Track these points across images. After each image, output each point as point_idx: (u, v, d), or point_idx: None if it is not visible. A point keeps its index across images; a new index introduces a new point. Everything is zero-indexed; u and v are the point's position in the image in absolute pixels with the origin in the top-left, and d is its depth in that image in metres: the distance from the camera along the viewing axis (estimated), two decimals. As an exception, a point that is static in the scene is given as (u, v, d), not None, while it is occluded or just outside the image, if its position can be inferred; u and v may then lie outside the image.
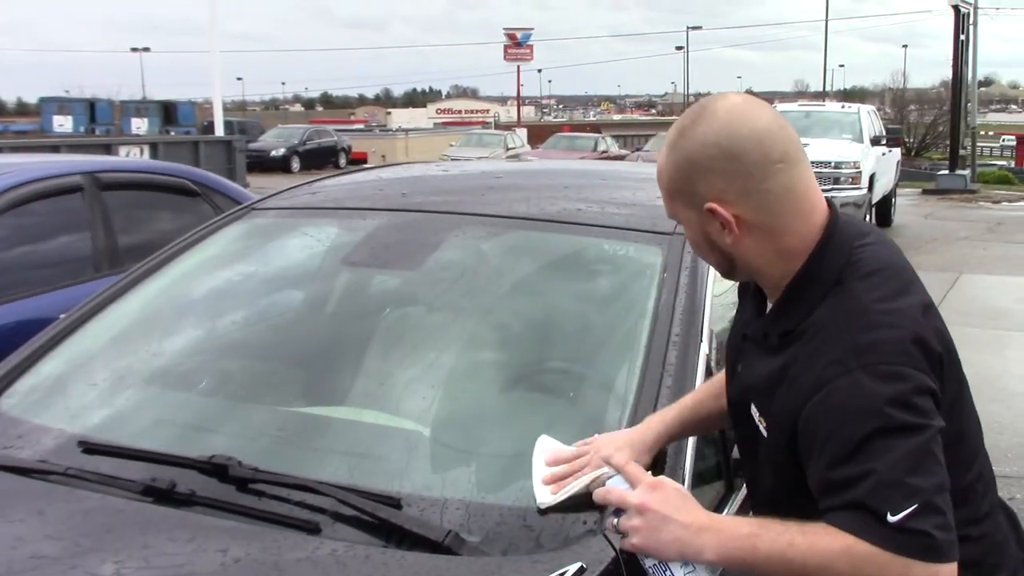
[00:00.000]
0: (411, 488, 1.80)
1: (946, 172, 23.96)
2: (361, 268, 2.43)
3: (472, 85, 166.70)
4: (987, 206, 20.14)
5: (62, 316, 2.47)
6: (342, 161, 34.43)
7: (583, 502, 1.64)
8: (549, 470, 1.71)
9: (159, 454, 1.89)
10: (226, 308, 2.56)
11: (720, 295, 2.22)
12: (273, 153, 31.54)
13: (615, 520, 1.54)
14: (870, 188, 14.25)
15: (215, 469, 1.79)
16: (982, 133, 36.55)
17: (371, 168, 3.37)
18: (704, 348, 2.02)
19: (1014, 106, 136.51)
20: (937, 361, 1.42)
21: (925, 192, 22.47)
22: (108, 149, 14.77)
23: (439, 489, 1.81)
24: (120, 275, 2.69)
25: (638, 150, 30.39)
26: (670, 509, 1.47)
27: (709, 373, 1.99)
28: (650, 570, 1.51)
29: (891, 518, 1.30)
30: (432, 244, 2.39)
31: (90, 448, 1.91)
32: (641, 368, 1.95)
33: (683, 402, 1.81)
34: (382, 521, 1.65)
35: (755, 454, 1.61)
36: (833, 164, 13.40)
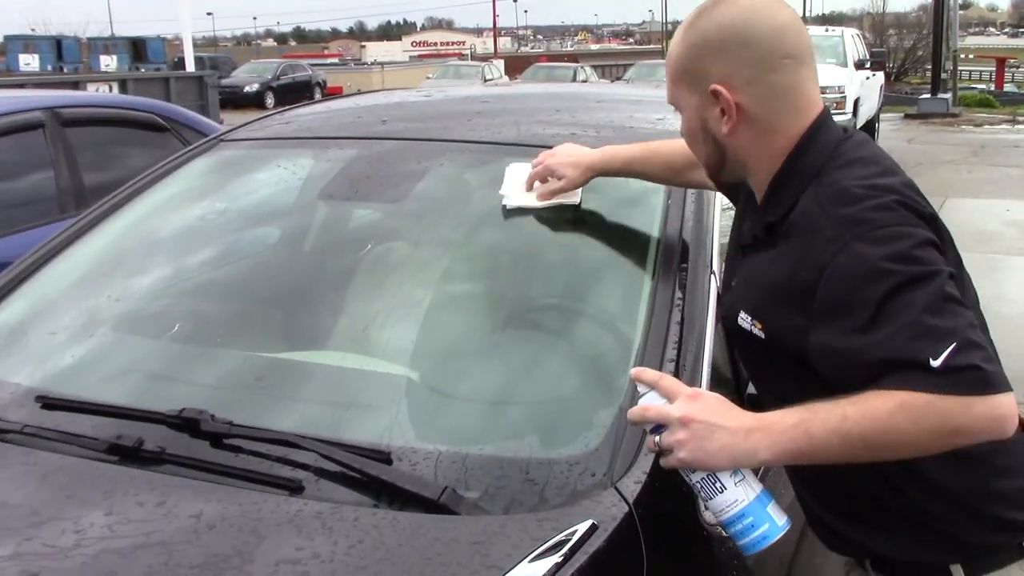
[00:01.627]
0: (401, 440, 1.64)
1: (928, 96, 23.70)
2: (340, 202, 2.24)
3: (447, 17, 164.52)
4: (969, 130, 19.97)
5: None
6: (317, 96, 33.75)
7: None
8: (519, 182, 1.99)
9: (125, 408, 1.73)
10: (195, 247, 2.37)
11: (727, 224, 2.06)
12: (246, 89, 30.87)
13: (656, 438, 1.40)
14: (854, 113, 14.08)
15: (186, 424, 1.64)
16: (962, 56, 36.25)
17: (348, 96, 3.16)
18: (714, 280, 1.86)
19: (992, 29, 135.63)
20: (930, 219, 1.40)
21: (907, 117, 22.26)
22: (76, 86, 14.35)
23: (432, 441, 1.66)
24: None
25: (618, 79, 29.98)
26: (714, 416, 1.38)
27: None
28: (698, 484, 1.41)
29: (934, 363, 1.26)
30: (416, 174, 2.21)
31: (49, 403, 1.75)
32: (648, 303, 1.80)
33: (632, 148, 1.98)
34: (371, 478, 1.50)
35: (758, 363, 1.59)
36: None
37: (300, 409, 1.78)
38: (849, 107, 13.80)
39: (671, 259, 1.89)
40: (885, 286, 1.30)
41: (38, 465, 1.61)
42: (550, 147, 2.20)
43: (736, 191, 1.70)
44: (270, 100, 31.01)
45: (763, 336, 1.48)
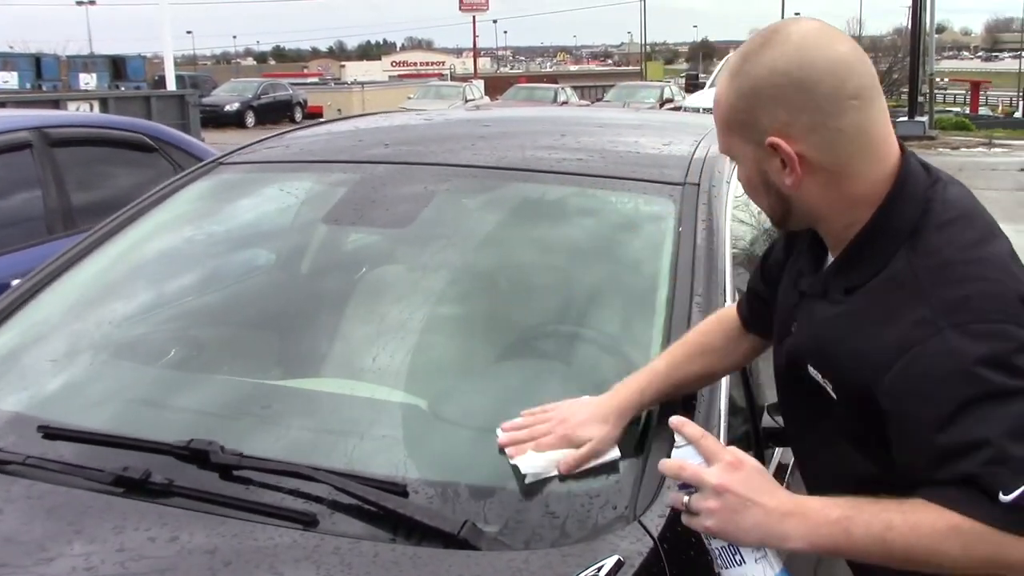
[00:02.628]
0: (416, 472, 1.61)
1: (905, 119, 23.94)
2: (345, 227, 2.21)
3: (427, 37, 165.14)
4: (947, 152, 20.19)
5: (15, 282, 2.23)
6: (298, 115, 33.76)
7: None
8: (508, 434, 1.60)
9: (130, 439, 1.69)
10: (197, 272, 2.34)
11: (739, 251, 2.05)
12: (227, 108, 30.79)
13: (685, 498, 1.35)
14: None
15: (194, 455, 1.60)
16: (937, 80, 36.65)
17: (346, 118, 3.13)
18: (729, 297, 1.85)
19: (966, 52, 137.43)
20: None
21: (885, 139, 22.49)
22: (57, 105, 14.25)
23: (447, 473, 1.63)
24: (76, 235, 2.45)
25: (598, 100, 30.13)
26: (752, 492, 1.31)
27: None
28: (716, 550, 1.36)
29: (1004, 497, 1.17)
30: (422, 199, 2.18)
31: (51, 433, 1.70)
32: (663, 333, 1.78)
33: (655, 367, 1.65)
34: (388, 512, 1.47)
35: (815, 424, 1.47)
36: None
37: (310, 439, 1.74)
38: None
39: (684, 284, 1.87)
40: (973, 391, 1.19)
41: (43, 498, 1.56)
42: (556, 172, 2.18)
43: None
44: (251, 119, 30.95)
45: (835, 396, 1.38)
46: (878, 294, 1.32)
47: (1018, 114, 37.46)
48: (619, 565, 1.35)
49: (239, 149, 2.65)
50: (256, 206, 2.51)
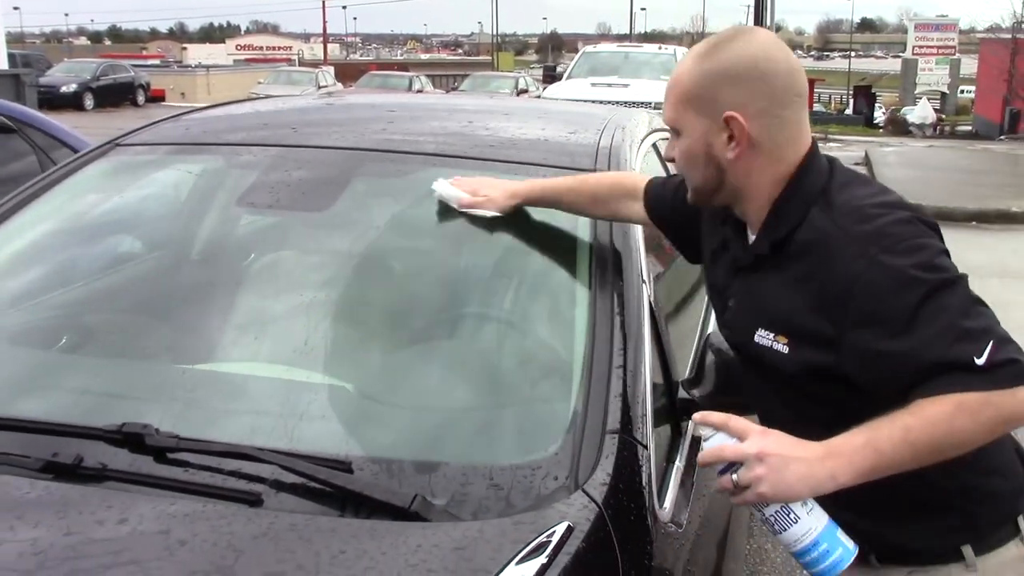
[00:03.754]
0: (358, 450, 1.64)
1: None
2: (261, 210, 2.19)
3: (272, 21, 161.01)
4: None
5: None
6: (140, 98, 32.45)
7: None
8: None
9: (55, 424, 1.65)
10: (100, 256, 2.28)
11: (649, 234, 2.15)
12: (63, 89, 29.17)
13: (733, 476, 1.47)
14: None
15: (128, 439, 1.57)
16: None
17: (242, 101, 3.08)
18: (646, 288, 1.94)
19: (800, 51, 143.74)
20: (936, 228, 1.52)
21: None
22: None
23: (386, 450, 1.66)
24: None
25: (453, 89, 30.15)
26: (788, 449, 1.46)
27: (651, 312, 1.92)
28: (772, 517, 1.49)
29: (979, 361, 1.39)
30: (338, 183, 2.19)
31: None
32: (588, 308, 1.85)
33: (563, 181, 2.06)
34: (337, 488, 1.49)
35: (775, 383, 1.64)
36: (653, 104, 13.60)
37: (242, 422, 1.74)
38: (682, 122, 14.31)
39: (605, 264, 1.95)
40: (918, 293, 1.42)
41: None
42: (470, 158, 2.24)
43: (678, 223, 1.91)
44: (89, 101, 29.54)
45: (787, 350, 1.56)
46: (809, 250, 1.53)
47: (849, 111, 39.52)
48: (569, 531, 1.41)
49: (134, 131, 2.59)
50: (159, 188, 2.45)
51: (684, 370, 2.05)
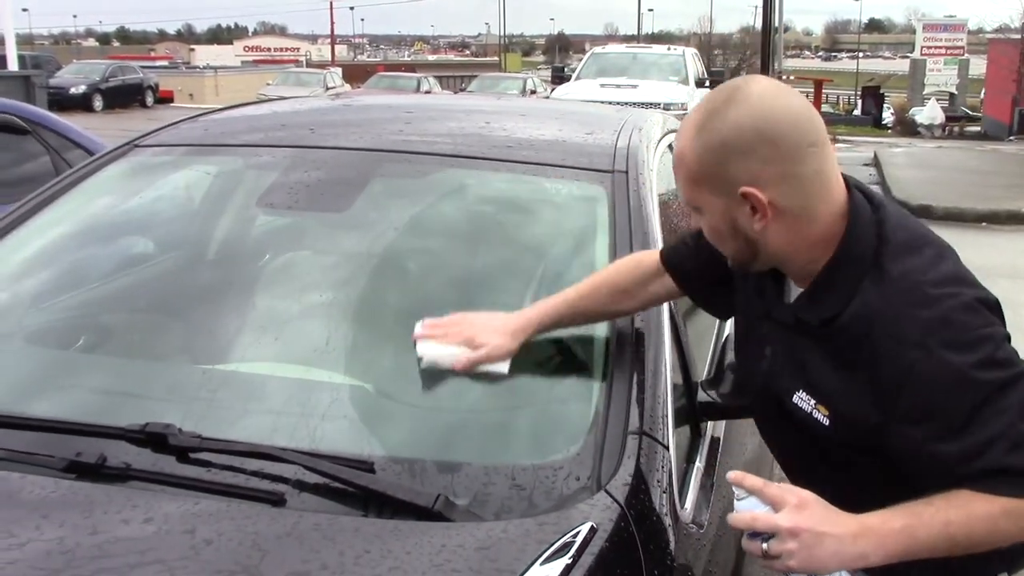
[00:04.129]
0: (379, 450, 1.64)
1: (756, 115, 24.77)
2: (281, 211, 2.20)
3: (280, 22, 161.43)
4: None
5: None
6: (149, 99, 32.52)
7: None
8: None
9: (79, 424, 1.66)
10: (123, 258, 2.28)
11: (667, 234, 2.15)
12: (72, 90, 29.24)
13: (764, 545, 1.46)
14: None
15: (151, 438, 1.58)
16: (783, 78, 38.20)
17: (259, 102, 3.09)
18: None
19: (807, 52, 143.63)
20: (996, 307, 1.47)
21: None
22: None
23: (409, 450, 1.66)
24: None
25: (461, 90, 30.19)
26: (821, 524, 1.43)
27: (670, 311, 1.92)
28: None
29: None
30: (358, 184, 2.19)
31: None
32: None
33: (565, 295, 1.81)
34: (360, 488, 1.50)
35: (803, 446, 1.61)
36: (663, 105, 13.60)
37: (264, 422, 1.74)
38: (691, 123, 14.33)
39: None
40: (977, 396, 1.38)
41: None
42: (487, 158, 2.23)
43: (709, 279, 1.78)
44: (98, 103, 29.60)
45: (827, 422, 1.52)
46: (862, 330, 1.45)
47: (857, 112, 39.44)
48: (593, 531, 1.41)
49: (153, 131, 2.60)
50: (178, 189, 2.46)
51: (702, 370, 2.05)
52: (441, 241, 2.15)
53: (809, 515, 1.43)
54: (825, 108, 42.75)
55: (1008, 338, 1.44)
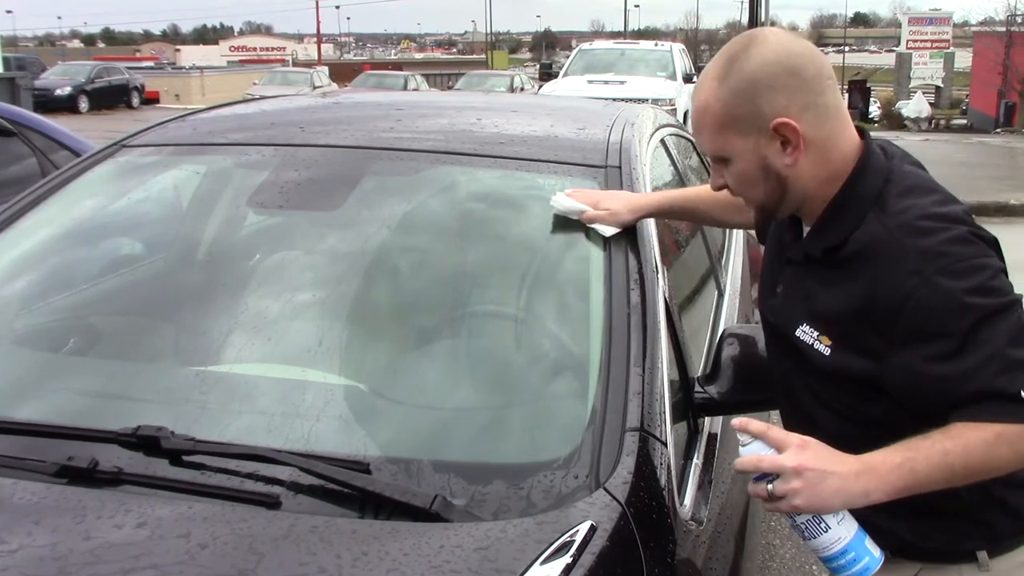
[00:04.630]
0: (375, 451, 1.62)
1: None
2: (271, 210, 2.17)
3: (266, 22, 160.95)
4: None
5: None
6: (135, 100, 32.36)
7: None
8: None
9: (71, 428, 1.63)
10: (108, 258, 2.26)
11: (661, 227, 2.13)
12: (58, 92, 29.06)
13: (769, 486, 1.48)
14: (684, 124, 14.61)
15: (143, 442, 1.56)
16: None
17: (248, 100, 3.06)
18: (660, 279, 1.92)
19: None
20: (994, 244, 1.51)
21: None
22: None
23: (404, 450, 1.64)
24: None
25: (448, 88, 30.15)
26: (824, 463, 1.46)
27: (666, 306, 1.91)
28: (802, 525, 1.51)
29: None
30: (349, 182, 2.17)
31: None
32: (604, 303, 1.84)
33: (685, 192, 2.08)
34: (357, 489, 1.48)
35: (809, 379, 1.64)
36: (651, 101, 13.60)
37: (258, 423, 1.72)
38: (679, 119, 14.34)
39: (620, 258, 1.93)
40: (970, 319, 1.41)
41: None
42: (479, 155, 2.22)
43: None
44: (84, 104, 29.45)
45: (828, 352, 1.55)
46: (863, 257, 1.51)
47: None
48: (592, 530, 1.40)
49: (141, 131, 2.57)
50: (167, 189, 2.44)
51: (698, 365, 2.04)
52: (433, 239, 2.13)
53: (812, 455, 1.47)
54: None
55: (1004, 271, 1.48)
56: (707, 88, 1.56)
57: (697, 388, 1.93)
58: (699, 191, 2.06)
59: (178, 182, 2.42)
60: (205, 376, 1.85)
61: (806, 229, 1.65)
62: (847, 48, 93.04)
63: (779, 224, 1.74)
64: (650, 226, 2.06)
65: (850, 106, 36.66)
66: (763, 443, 1.49)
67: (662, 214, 2.07)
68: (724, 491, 1.91)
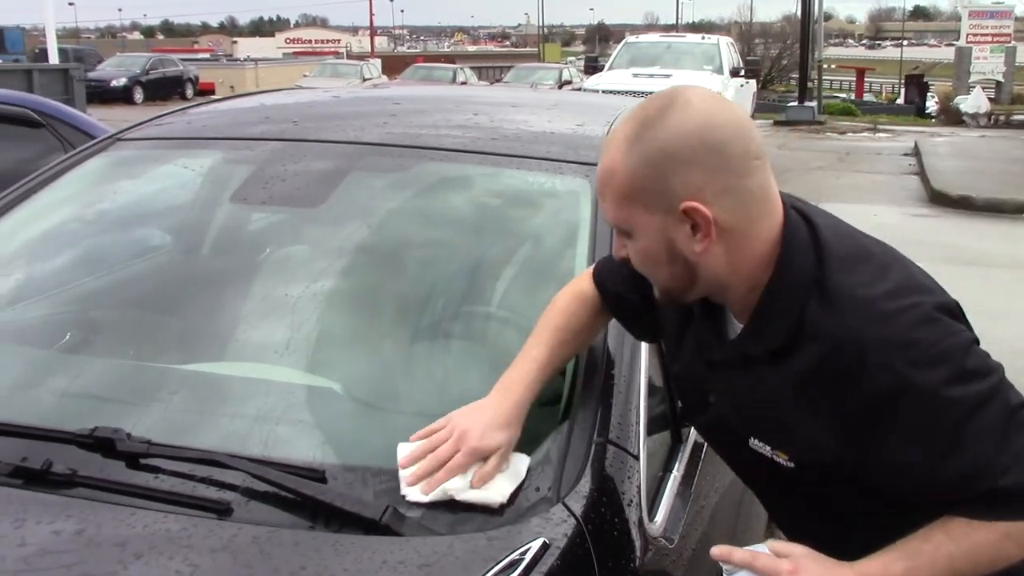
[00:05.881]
0: (334, 457, 1.57)
1: (795, 104, 24.48)
2: (252, 205, 2.13)
3: (321, 14, 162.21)
4: (834, 137, 20.74)
5: None
6: (189, 92, 32.84)
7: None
8: (410, 469, 1.46)
9: (28, 428, 1.60)
10: (93, 252, 2.23)
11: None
12: (114, 83, 29.71)
13: None
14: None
15: (99, 443, 1.52)
16: (825, 66, 37.65)
17: (250, 94, 3.03)
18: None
19: (851, 40, 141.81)
20: (959, 309, 1.37)
21: (776, 124, 22.96)
22: (-72, 78, 13.52)
23: (367, 458, 1.59)
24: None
25: (497, 81, 30.12)
26: None
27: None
28: None
29: None
30: (333, 178, 2.12)
31: None
32: None
33: (536, 357, 1.57)
34: (306, 498, 1.43)
35: (776, 484, 1.49)
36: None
37: (221, 425, 1.68)
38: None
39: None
40: (956, 414, 1.28)
41: None
42: (469, 151, 2.16)
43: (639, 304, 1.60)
44: (139, 95, 29.99)
45: (792, 465, 1.41)
46: (815, 358, 1.32)
47: (900, 100, 38.76)
48: (545, 547, 1.34)
49: (138, 124, 2.55)
50: (156, 183, 2.41)
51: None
52: (410, 238, 2.08)
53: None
54: (868, 97, 42.16)
55: (974, 342, 1.33)
56: (614, 150, 1.35)
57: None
58: (554, 342, 1.60)
59: (168, 177, 2.40)
60: (172, 374, 1.82)
61: (734, 322, 1.45)
62: (905, 42, 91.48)
63: (686, 325, 1.52)
64: None
65: (906, 101, 35.99)
66: (748, 572, 1.37)
67: (537, 395, 1.57)
68: (706, 505, 1.83)
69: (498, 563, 1.30)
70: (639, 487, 1.54)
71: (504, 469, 1.47)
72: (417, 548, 1.35)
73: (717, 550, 1.39)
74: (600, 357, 1.67)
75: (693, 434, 1.89)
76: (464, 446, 1.46)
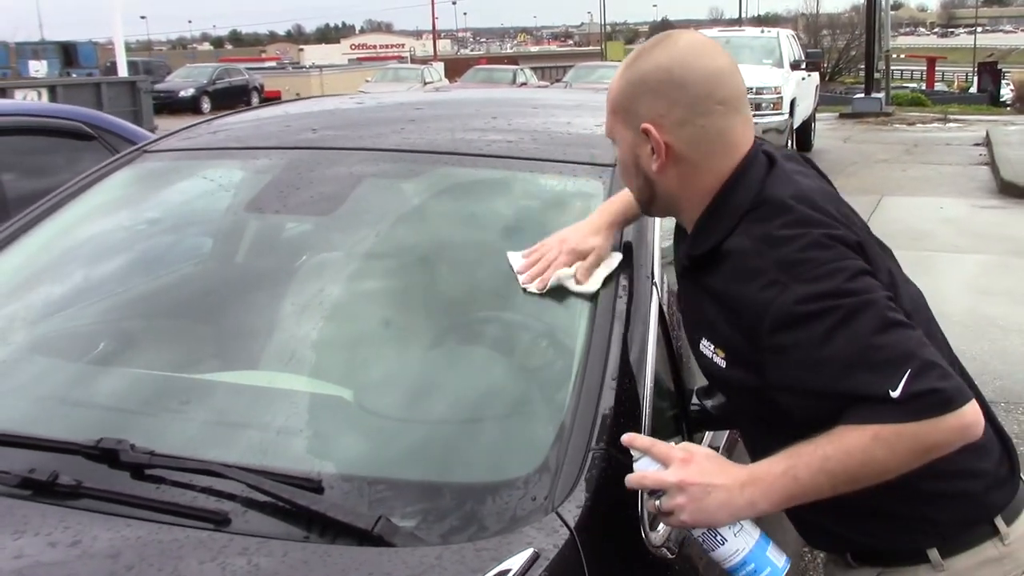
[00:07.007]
0: (334, 467, 1.57)
1: (861, 96, 24.03)
2: (268, 215, 2.15)
3: (386, 20, 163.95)
4: (902, 128, 20.31)
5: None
6: (255, 100, 33.34)
7: None
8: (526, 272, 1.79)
9: (38, 439, 1.63)
10: (117, 263, 2.27)
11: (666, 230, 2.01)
12: (182, 94, 30.39)
13: (656, 502, 1.44)
14: (791, 113, 14.19)
15: (104, 454, 1.54)
16: (894, 56, 36.88)
17: (279, 103, 3.06)
18: (656, 292, 1.81)
19: (922, 28, 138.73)
20: (857, 247, 1.45)
21: (842, 116, 22.56)
22: (3, 93, 13.97)
23: (365, 467, 1.58)
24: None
25: (557, 81, 30.07)
26: (708, 476, 1.42)
27: (661, 316, 1.80)
28: (700, 538, 1.47)
29: (893, 394, 1.31)
30: (348, 185, 2.13)
31: None
32: (588, 318, 1.74)
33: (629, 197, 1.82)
34: (301, 509, 1.42)
35: (723, 389, 1.65)
36: (755, 90, 13.21)
37: (225, 435, 1.69)
38: (786, 108, 13.92)
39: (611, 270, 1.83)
40: (828, 322, 1.35)
41: None
42: (485, 156, 2.14)
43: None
44: (206, 105, 30.57)
45: (724, 365, 1.51)
46: (730, 267, 1.47)
47: (973, 89, 37.76)
48: (534, 558, 1.31)
49: (165, 136, 2.58)
50: (178, 195, 2.44)
51: (701, 378, 1.92)
52: (415, 247, 2.07)
53: (696, 468, 1.43)
54: (939, 86, 41.17)
55: (866, 272, 1.41)
56: (618, 71, 1.59)
57: (694, 401, 1.81)
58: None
59: (191, 188, 2.42)
60: (179, 384, 1.84)
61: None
62: (979, 29, 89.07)
63: (678, 233, 1.70)
64: (655, 228, 1.95)
65: (980, 89, 35.03)
66: (650, 459, 1.44)
67: (630, 220, 1.88)
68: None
69: (484, 574, 1.28)
70: (640, 496, 1.51)
71: (599, 265, 1.78)
72: (405, 559, 1.34)
73: (626, 437, 1.49)
74: (602, 363, 1.64)
75: (709, 440, 1.85)
76: (566, 247, 1.79)
